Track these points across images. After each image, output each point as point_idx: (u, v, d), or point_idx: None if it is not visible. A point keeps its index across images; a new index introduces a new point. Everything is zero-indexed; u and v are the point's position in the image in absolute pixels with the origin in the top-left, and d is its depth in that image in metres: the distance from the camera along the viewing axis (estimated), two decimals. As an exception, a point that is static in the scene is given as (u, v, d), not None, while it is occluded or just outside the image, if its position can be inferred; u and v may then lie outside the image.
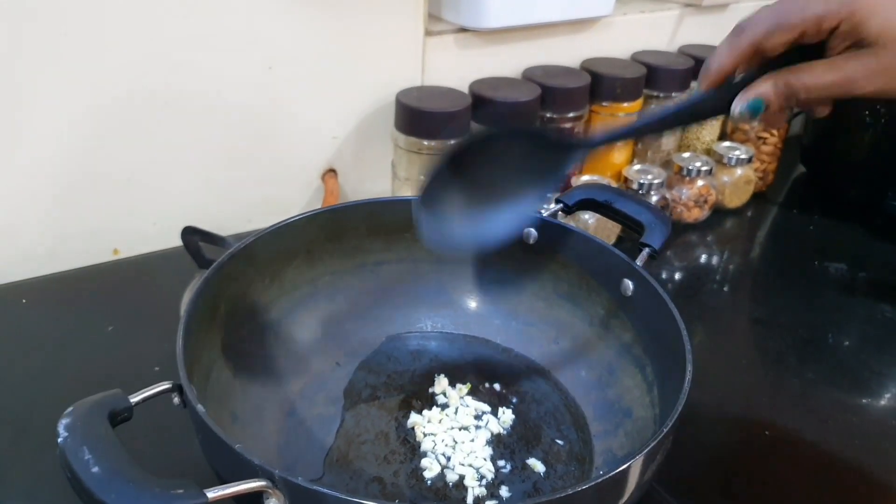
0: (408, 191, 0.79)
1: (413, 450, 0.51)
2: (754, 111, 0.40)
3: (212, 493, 0.34)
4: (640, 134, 0.47)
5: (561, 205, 0.58)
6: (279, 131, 0.77)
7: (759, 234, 0.92)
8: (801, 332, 0.72)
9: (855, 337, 0.73)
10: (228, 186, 0.77)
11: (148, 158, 0.72)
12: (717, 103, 0.42)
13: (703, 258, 0.85)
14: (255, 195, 0.80)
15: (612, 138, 0.48)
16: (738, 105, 0.40)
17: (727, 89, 0.41)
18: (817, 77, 0.39)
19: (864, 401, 0.64)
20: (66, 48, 0.63)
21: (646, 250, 0.53)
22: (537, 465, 0.50)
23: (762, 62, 0.41)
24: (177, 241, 0.62)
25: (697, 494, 0.53)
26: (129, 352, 0.61)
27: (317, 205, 0.83)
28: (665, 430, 0.39)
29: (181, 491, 0.33)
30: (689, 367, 0.43)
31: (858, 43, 0.38)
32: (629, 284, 0.53)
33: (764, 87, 0.40)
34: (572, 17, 0.87)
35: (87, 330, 0.63)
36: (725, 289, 0.80)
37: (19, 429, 0.53)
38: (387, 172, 0.82)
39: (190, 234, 0.69)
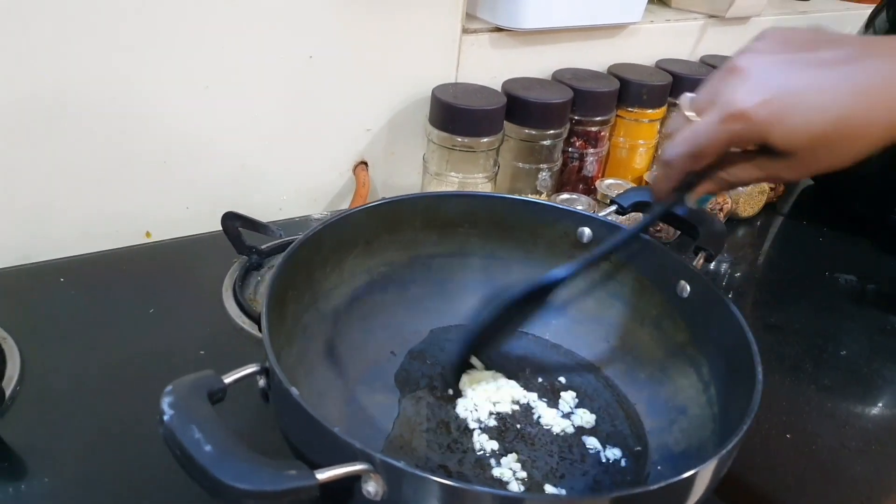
0: (438, 186, 0.79)
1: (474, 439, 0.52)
2: (704, 202, 0.50)
3: (321, 475, 0.34)
4: (617, 249, 0.53)
5: (615, 206, 0.59)
6: (314, 121, 0.77)
7: (770, 244, 0.95)
8: (816, 340, 0.74)
9: (866, 346, 0.75)
10: (261, 174, 0.77)
11: (183, 142, 0.71)
12: (673, 203, 0.50)
13: (714, 264, 0.87)
14: (287, 184, 0.79)
15: (591, 259, 0.53)
16: (691, 203, 0.49)
17: (676, 194, 0.49)
18: (747, 173, 0.44)
19: (878, 408, 0.66)
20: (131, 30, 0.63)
21: (703, 253, 0.54)
22: (595, 458, 0.51)
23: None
24: (209, 226, 0.61)
25: (719, 495, 0.54)
26: (172, 335, 0.61)
27: (347, 196, 0.83)
28: (740, 434, 0.39)
29: (293, 472, 0.34)
30: (759, 370, 0.44)
31: (770, 149, 0.42)
32: (686, 286, 0.54)
33: (707, 187, 0.47)
34: (604, 22, 0.89)
35: (129, 312, 0.63)
36: (739, 295, 0.82)
37: (67, 408, 0.53)
38: (418, 167, 0.82)
39: (231, 219, 0.68)
